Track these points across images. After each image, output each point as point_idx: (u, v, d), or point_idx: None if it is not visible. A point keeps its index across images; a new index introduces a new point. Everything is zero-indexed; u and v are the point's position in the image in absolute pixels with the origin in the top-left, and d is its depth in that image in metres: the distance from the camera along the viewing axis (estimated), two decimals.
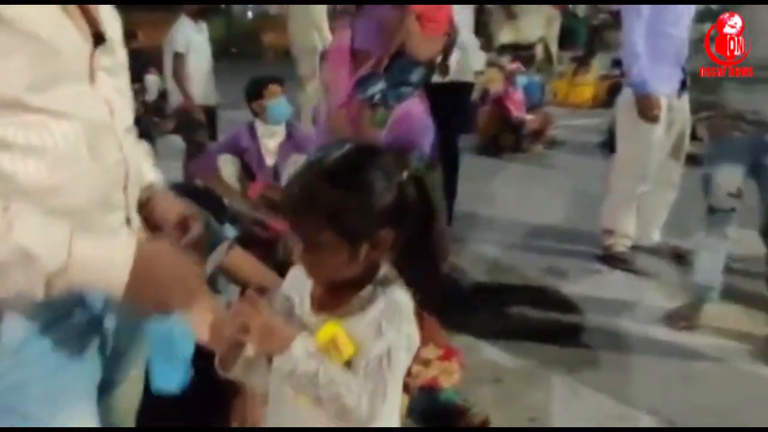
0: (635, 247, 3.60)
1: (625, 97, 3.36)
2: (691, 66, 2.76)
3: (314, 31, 6.04)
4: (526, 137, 6.35)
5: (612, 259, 3.52)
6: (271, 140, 3.41)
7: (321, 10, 5.99)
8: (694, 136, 3.53)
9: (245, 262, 1.98)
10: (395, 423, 1.12)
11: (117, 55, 1.08)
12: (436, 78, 2.94)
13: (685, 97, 3.38)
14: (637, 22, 3.18)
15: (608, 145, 5.00)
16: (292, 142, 3.41)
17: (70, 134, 0.96)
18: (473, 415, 2.12)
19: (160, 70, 6.31)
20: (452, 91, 3.53)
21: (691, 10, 3.14)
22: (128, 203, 1.09)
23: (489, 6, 8.72)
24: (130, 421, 1.25)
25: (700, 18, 2.68)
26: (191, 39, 4.72)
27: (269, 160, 3.42)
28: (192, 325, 1.19)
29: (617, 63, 7.01)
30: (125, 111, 1.10)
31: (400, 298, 1.04)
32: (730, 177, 2.65)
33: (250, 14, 19.58)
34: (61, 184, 0.95)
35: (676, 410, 2.25)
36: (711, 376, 2.50)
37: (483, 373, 2.47)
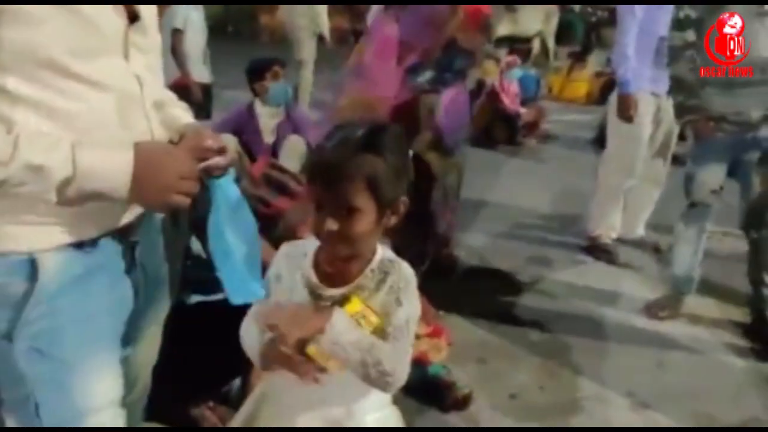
0: (619, 240, 3.72)
1: (617, 94, 3.48)
2: (675, 72, 2.86)
3: (309, 16, 6.07)
4: (520, 130, 6.43)
5: (596, 251, 3.65)
6: (270, 120, 3.49)
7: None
8: (681, 137, 3.64)
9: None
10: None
11: (149, 35, 1.16)
12: None
13: None
14: (632, 23, 3.28)
15: (599, 141, 5.12)
16: (290, 122, 3.49)
17: (103, 102, 1.05)
18: (458, 389, 2.24)
19: None
20: None
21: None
22: None
23: None
24: (147, 374, 1.35)
25: (679, 26, 2.77)
26: (189, 16, 4.72)
27: (268, 139, 3.50)
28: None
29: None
30: (154, 86, 1.19)
31: (409, 271, 1.15)
32: (713, 175, 2.76)
33: None
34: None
35: (649, 393, 2.38)
36: (684, 363, 2.63)
37: (469, 352, 2.58)
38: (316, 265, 1.17)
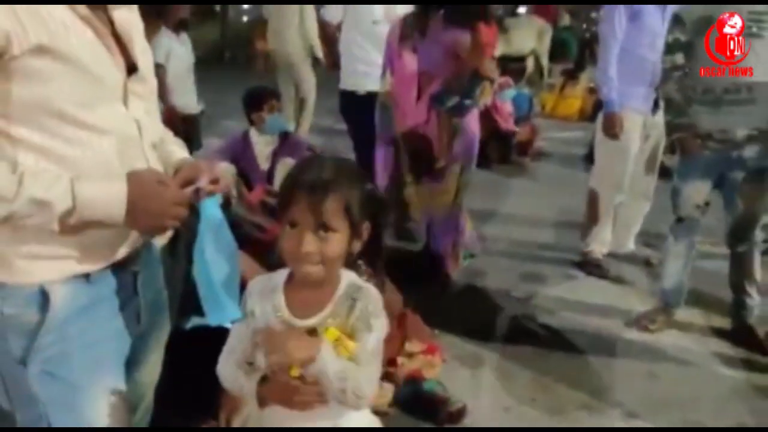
0: (610, 255, 3.80)
1: (602, 113, 3.58)
2: (664, 92, 2.97)
3: (300, 37, 6.05)
4: (514, 149, 6.51)
5: (588, 266, 3.72)
6: (265, 147, 3.57)
7: (310, 13, 6.03)
8: (671, 150, 3.71)
9: (242, 261, 2.16)
10: None
11: (148, 82, 1.27)
12: None
13: (660, 114, 3.57)
14: (613, 44, 3.39)
15: (589, 158, 5.19)
16: (285, 148, 3.57)
17: (105, 146, 1.15)
18: (452, 404, 2.30)
19: None
20: None
21: (663, 33, 3.34)
22: None
23: None
24: (150, 395, 1.44)
25: (669, 50, 2.87)
26: (171, 49, 4.60)
27: (263, 166, 3.58)
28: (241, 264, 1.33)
29: None
30: (152, 129, 1.29)
31: (375, 292, 1.22)
32: (698, 190, 2.85)
33: (245, 18, 19.63)
34: None
35: (639, 403, 2.45)
36: (673, 373, 2.69)
37: (462, 366, 2.65)
38: (287, 297, 1.22)
